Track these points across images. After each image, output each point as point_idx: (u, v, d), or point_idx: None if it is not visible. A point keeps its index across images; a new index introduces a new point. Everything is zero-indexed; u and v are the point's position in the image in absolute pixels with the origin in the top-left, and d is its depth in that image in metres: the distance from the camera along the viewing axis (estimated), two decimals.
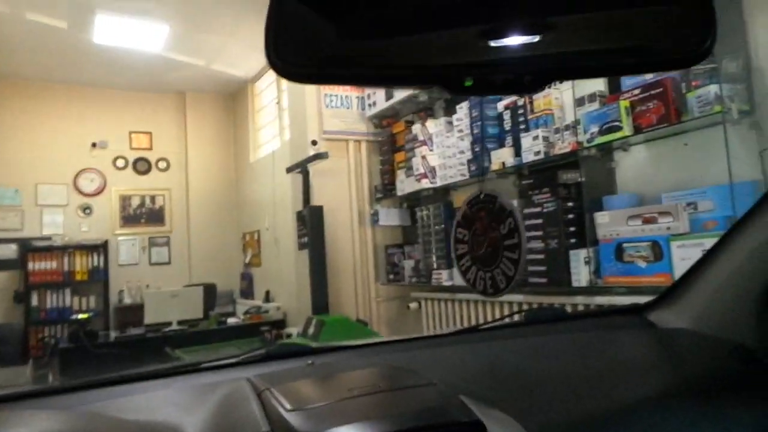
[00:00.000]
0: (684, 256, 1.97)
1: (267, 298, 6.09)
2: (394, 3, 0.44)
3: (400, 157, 3.69)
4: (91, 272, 6.52)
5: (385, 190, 3.79)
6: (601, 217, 2.29)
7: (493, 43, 0.44)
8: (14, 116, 6.64)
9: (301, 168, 3.79)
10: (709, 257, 1.07)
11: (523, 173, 2.82)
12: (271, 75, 6.79)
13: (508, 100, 2.85)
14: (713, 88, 1.86)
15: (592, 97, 2.43)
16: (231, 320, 5.21)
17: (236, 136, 7.73)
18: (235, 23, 5.53)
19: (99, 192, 7.05)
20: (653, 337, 1.13)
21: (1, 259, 6.36)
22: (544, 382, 0.89)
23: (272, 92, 6.80)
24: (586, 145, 2.33)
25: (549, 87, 2.73)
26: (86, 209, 6.95)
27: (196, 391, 0.86)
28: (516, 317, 1.36)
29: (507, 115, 2.84)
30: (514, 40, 0.44)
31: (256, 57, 6.54)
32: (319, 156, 3.63)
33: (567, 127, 2.52)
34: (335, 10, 0.42)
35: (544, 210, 2.48)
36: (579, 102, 2.49)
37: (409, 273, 3.56)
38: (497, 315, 2.86)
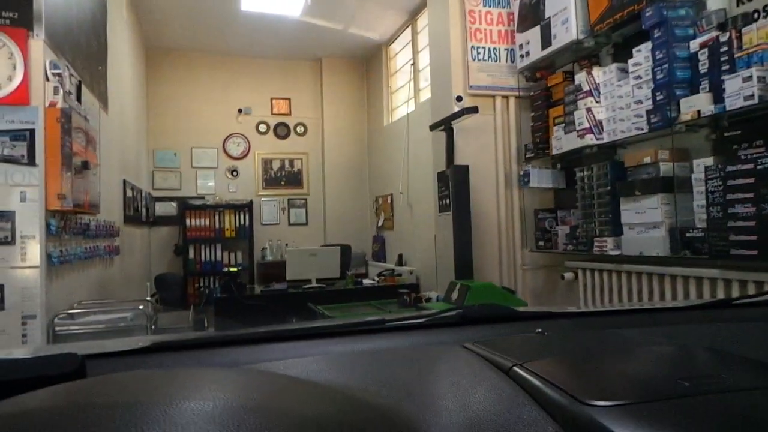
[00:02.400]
0: None
1: (400, 261, 6.06)
2: None
3: (555, 112, 3.31)
4: (238, 229, 6.99)
5: (536, 148, 3.45)
6: None
7: None
8: (172, 85, 7.22)
9: (445, 125, 3.58)
10: None
11: (722, 124, 2.33)
12: (406, 36, 6.62)
13: (706, 37, 2.36)
14: None
15: None
16: (366, 281, 5.25)
17: (370, 100, 7.72)
18: None
19: (244, 155, 7.49)
20: None
21: (165, 215, 7.07)
22: None
23: (407, 54, 6.63)
24: None
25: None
26: (233, 171, 7.43)
27: (387, 355, 0.69)
28: None
29: (703, 55, 2.35)
30: None
31: (391, 18, 6.40)
32: (468, 111, 3.38)
33: None
34: None
35: (758, 167, 2.02)
36: None
37: (563, 240, 3.23)
38: (677, 290, 2.45)
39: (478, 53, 3.64)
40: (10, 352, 0.79)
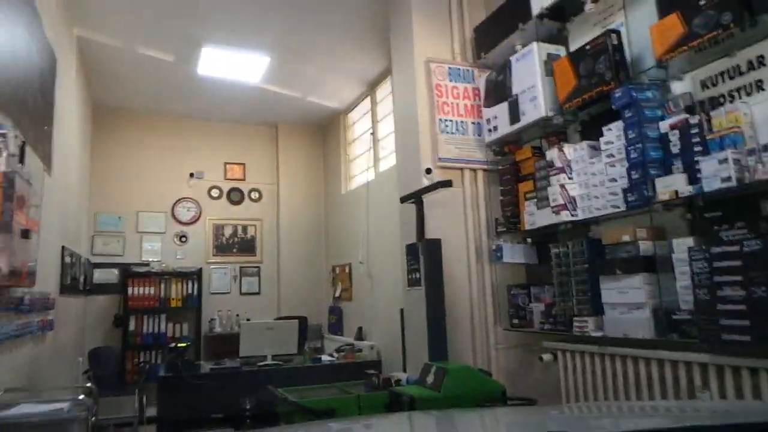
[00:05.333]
0: None
1: (359, 335, 5.80)
2: None
3: (525, 186, 3.31)
4: (185, 299, 6.55)
5: (507, 223, 3.41)
6: None
7: None
8: (120, 146, 6.93)
9: (416, 198, 3.50)
10: None
11: (698, 204, 2.35)
12: (364, 106, 6.69)
13: (675, 119, 2.42)
14: None
15: None
16: (324, 357, 4.95)
17: (327, 167, 7.67)
18: (331, 53, 5.48)
19: (194, 221, 7.16)
20: None
21: (104, 282, 6.54)
22: None
23: (365, 123, 6.68)
24: None
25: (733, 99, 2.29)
26: (182, 237, 7.06)
27: None
28: None
29: (674, 137, 2.40)
30: None
31: (350, 87, 6.48)
32: (443, 185, 3.32)
33: (766, 148, 2.05)
34: None
35: (744, 249, 2.01)
36: None
37: (539, 318, 3.13)
38: (667, 376, 2.36)
39: (446, 126, 3.65)
40: None
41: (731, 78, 2.30)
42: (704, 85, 2.44)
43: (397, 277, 4.77)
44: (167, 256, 6.91)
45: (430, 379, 2.92)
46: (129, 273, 6.45)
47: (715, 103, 2.37)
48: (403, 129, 3.93)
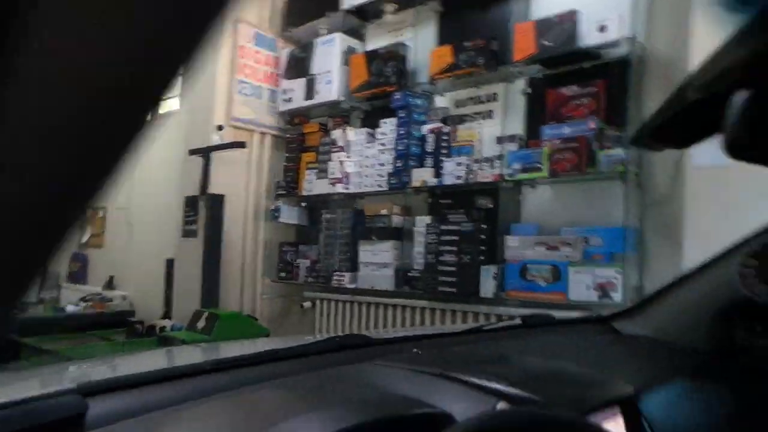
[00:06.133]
0: (577, 280, 2.41)
1: (110, 284, 5.46)
2: None
3: (308, 157, 3.72)
4: None
5: (288, 187, 3.77)
6: (512, 241, 2.65)
7: None
8: None
9: (205, 153, 3.59)
10: (670, 285, 1.39)
11: (437, 193, 3.10)
12: None
13: (433, 125, 3.12)
14: (621, 151, 2.34)
15: (512, 138, 2.82)
16: (69, 307, 4.59)
17: None
18: None
19: None
20: (618, 342, 1.43)
21: None
22: (542, 377, 1.07)
23: None
24: (508, 178, 2.69)
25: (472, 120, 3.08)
26: None
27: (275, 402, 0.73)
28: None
29: (430, 139, 3.10)
30: None
31: None
32: (237, 145, 3.49)
33: (486, 159, 2.86)
34: None
35: (462, 229, 2.78)
36: (500, 140, 2.86)
37: (304, 273, 3.59)
38: (398, 317, 3.08)
39: (244, 88, 3.81)
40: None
41: (475, 104, 3.09)
42: (457, 105, 3.19)
43: (163, 226, 4.71)
44: None
45: (201, 324, 3.13)
46: None
47: (462, 119, 3.13)
48: (201, 83, 3.93)
